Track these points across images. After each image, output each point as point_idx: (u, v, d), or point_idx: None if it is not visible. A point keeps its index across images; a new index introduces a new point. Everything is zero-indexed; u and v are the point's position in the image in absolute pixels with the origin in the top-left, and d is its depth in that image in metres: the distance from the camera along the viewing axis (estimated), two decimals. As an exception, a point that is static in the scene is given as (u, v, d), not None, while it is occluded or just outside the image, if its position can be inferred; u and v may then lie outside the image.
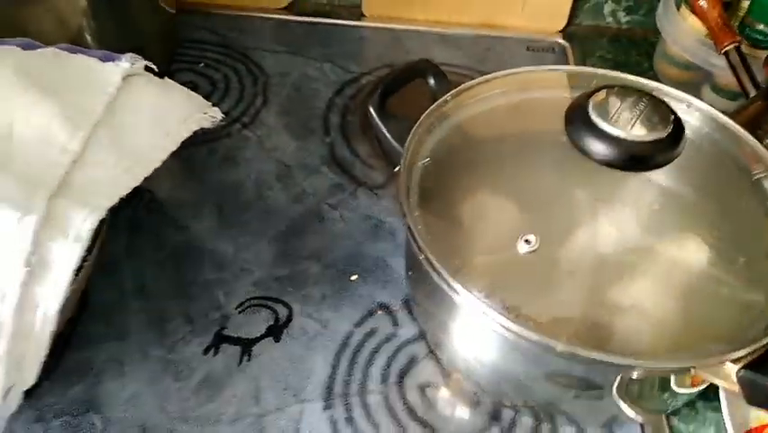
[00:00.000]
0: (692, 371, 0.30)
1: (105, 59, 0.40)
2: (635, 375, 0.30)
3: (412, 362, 0.40)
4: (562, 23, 0.66)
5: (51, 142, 0.33)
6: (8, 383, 0.28)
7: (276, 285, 0.43)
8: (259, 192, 0.49)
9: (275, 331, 0.41)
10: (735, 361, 0.30)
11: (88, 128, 0.35)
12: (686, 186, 0.36)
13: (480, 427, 0.38)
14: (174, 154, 0.38)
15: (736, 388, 0.30)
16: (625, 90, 0.34)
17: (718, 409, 0.38)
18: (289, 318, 0.42)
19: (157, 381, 0.38)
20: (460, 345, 0.37)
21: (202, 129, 0.41)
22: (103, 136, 0.36)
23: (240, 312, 0.42)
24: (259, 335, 0.41)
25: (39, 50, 0.40)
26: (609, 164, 0.32)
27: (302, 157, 0.52)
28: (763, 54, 0.50)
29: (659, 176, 0.35)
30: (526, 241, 0.31)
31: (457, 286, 0.30)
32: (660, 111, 0.32)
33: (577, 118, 0.32)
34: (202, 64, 0.59)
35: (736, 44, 0.48)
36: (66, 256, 0.29)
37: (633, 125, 0.31)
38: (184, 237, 0.46)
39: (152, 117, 0.39)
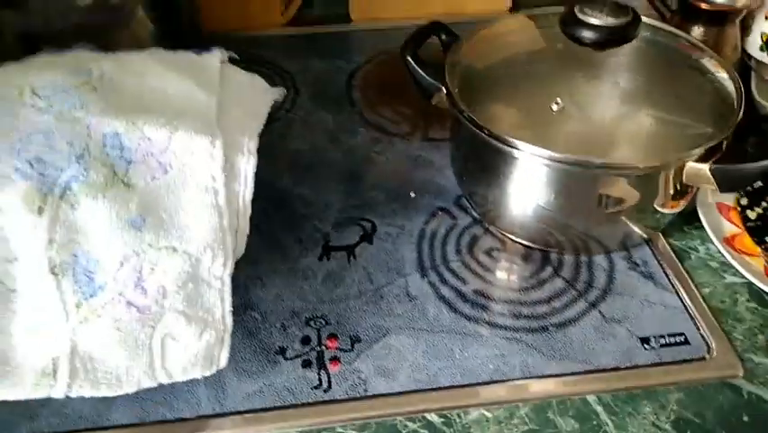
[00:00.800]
0: (681, 171, 0.44)
1: (198, 53, 0.53)
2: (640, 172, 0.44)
3: (474, 238, 0.53)
4: (508, 2, 0.82)
5: (198, 100, 0.45)
6: (232, 248, 0.39)
7: (355, 210, 0.56)
8: (317, 154, 0.62)
9: (367, 238, 0.53)
10: (700, 161, 0.44)
11: (216, 93, 0.47)
12: (647, 65, 0.51)
13: (536, 270, 0.51)
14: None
15: (712, 182, 0.45)
16: (595, 2, 0.49)
17: (701, 228, 0.52)
18: (374, 228, 0.54)
19: (291, 284, 0.49)
20: (509, 212, 0.50)
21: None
22: (225, 99, 0.48)
23: (335, 231, 0.54)
24: (356, 241, 0.53)
25: (146, 50, 0.52)
26: (594, 44, 0.47)
27: (340, 124, 0.65)
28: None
29: (629, 60, 0.50)
30: (556, 103, 0.45)
31: (512, 140, 0.44)
32: (622, 9, 0.47)
33: (569, 19, 0.47)
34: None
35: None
36: (247, 163, 0.41)
37: (606, 18, 0.46)
38: (274, 190, 0.57)
39: (249, 87, 0.52)
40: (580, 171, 0.45)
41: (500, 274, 0.50)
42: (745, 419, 0.41)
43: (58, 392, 0.33)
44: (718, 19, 0.60)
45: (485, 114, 0.46)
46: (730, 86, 0.49)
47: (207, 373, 0.37)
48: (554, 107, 0.45)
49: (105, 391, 0.34)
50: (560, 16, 0.49)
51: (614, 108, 0.48)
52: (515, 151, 0.45)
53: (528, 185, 0.47)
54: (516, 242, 0.52)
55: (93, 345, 0.33)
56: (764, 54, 0.61)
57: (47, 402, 0.40)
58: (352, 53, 0.76)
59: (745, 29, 0.62)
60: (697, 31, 0.61)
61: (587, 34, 0.47)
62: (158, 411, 0.41)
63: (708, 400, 0.42)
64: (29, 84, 0.40)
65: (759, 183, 0.55)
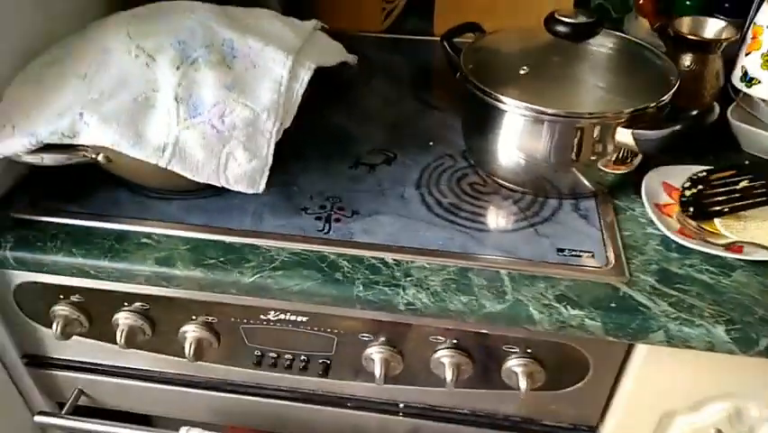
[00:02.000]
0: (614, 132, 0.60)
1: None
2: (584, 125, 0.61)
3: (464, 176, 0.71)
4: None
5: (288, 38, 0.68)
6: (282, 120, 0.61)
7: (387, 145, 0.76)
8: (378, 109, 0.83)
9: (387, 162, 0.73)
10: (626, 125, 0.60)
11: (303, 37, 0.70)
12: (610, 60, 0.68)
13: (502, 199, 0.67)
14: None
15: (633, 143, 0.60)
16: (572, 11, 0.67)
17: (639, 192, 0.66)
18: (395, 157, 0.74)
19: (325, 177, 0.70)
20: (490, 155, 0.68)
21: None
22: (310, 44, 0.71)
23: (368, 154, 0.74)
24: (379, 162, 0.73)
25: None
26: (568, 36, 0.65)
27: (400, 96, 0.86)
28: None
29: (596, 56, 0.67)
30: (523, 69, 0.63)
31: (501, 96, 0.62)
32: (590, 14, 0.65)
33: (550, 19, 0.66)
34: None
35: (662, 22, 0.81)
36: (306, 74, 0.63)
37: (576, 18, 0.64)
38: (336, 127, 0.79)
39: (328, 45, 0.75)
40: (536, 118, 0.62)
41: (473, 198, 0.68)
42: (612, 304, 0.55)
43: (163, 162, 0.56)
44: (704, 49, 0.74)
45: (479, 79, 0.65)
46: (672, 74, 0.64)
47: (251, 191, 0.59)
48: (521, 72, 0.64)
49: (187, 173, 0.56)
50: (544, 18, 0.67)
51: (578, 88, 0.66)
52: (494, 102, 0.63)
53: (504, 134, 0.65)
54: (496, 181, 0.70)
55: (187, 143, 0.56)
56: (743, 84, 0.74)
57: (155, 205, 0.64)
58: (428, 58, 0.98)
59: (732, 62, 0.76)
60: (686, 59, 0.75)
61: (561, 29, 0.65)
62: (219, 220, 0.63)
63: (590, 290, 0.57)
64: (189, 8, 0.66)
65: (703, 173, 0.68)
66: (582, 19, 0.65)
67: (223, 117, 0.57)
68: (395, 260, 0.60)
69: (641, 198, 0.67)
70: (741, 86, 0.75)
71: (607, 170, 0.65)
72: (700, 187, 0.66)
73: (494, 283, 0.57)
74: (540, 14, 1.00)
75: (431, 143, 0.77)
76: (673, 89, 0.62)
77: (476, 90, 0.64)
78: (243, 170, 0.58)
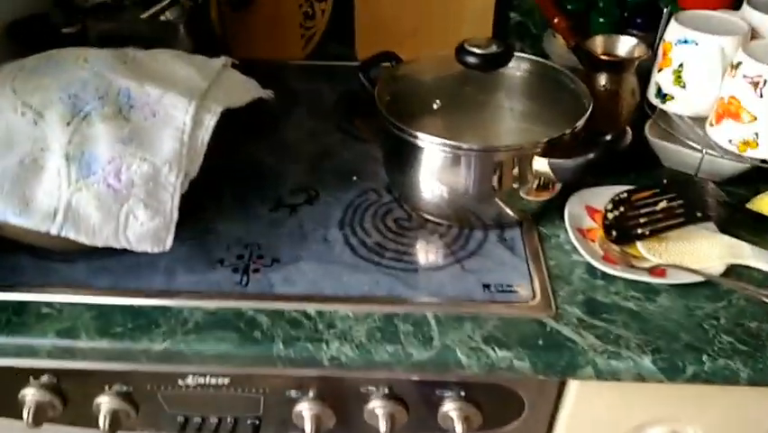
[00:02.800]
0: (531, 161, 0.59)
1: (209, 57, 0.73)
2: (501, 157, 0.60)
3: (389, 211, 0.69)
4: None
5: (193, 81, 0.65)
6: (186, 170, 0.57)
7: (309, 182, 0.73)
8: (298, 146, 0.80)
9: (309, 201, 0.70)
10: (542, 155, 0.59)
11: (210, 79, 0.67)
12: (523, 86, 0.67)
13: (427, 234, 0.66)
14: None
15: (551, 173, 0.59)
16: (482, 39, 0.66)
17: (563, 217, 0.66)
18: (317, 196, 0.71)
19: (243, 222, 0.67)
20: (415, 193, 0.66)
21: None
22: (217, 85, 0.67)
23: (290, 193, 0.71)
24: (300, 202, 0.70)
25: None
26: (478, 67, 0.63)
27: (321, 128, 0.84)
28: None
29: (509, 82, 0.66)
30: (436, 103, 0.62)
31: (417, 132, 0.60)
32: (499, 42, 0.64)
33: (459, 50, 0.64)
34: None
35: (577, 41, 0.81)
36: (210, 120, 0.60)
37: (487, 49, 0.63)
38: (257, 164, 0.76)
39: (242, 84, 0.71)
40: (454, 154, 0.60)
41: (398, 235, 0.66)
42: (540, 342, 0.54)
43: (54, 229, 0.52)
44: (618, 68, 0.74)
45: (392, 113, 0.64)
46: (585, 99, 0.64)
47: (156, 250, 0.55)
48: (434, 106, 0.62)
49: (83, 238, 0.52)
50: (455, 49, 0.66)
51: (494, 115, 0.65)
52: (408, 137, 0.61)
53: (422, 168, 0.63)
54: (420, 216, 0.68)
55: (81, 205, 0.52)
56: (658, 100, 0.75)
57: (57, 269, 0.60)
58: (350, 82, 0.96)
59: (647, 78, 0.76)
60: (602, 78, 0.75)
61: (471, 60, 0.64)
62: (127, 281, 0.59)
63: (518, 328, 0.55)
64: (84, 56, 0.61)
65: (624, 194, 0.68)
66: (492, 49, 0.64)
67: (119, 174, 0.54)
68: (317, 311, 0.57)
69: (564, 223, 0.66)
70: (656, 102, 0.76)
71: (529, 198, 0.64)
72: (622, 209, 0.66)
73: (421, 329, 0.55)
74: (460, 39, 1.00)
75: (354, 178, 0.74)
76: (586, 115, 0.62)
77: (392, 126, 0.62)
78: (146, 228, 0.54)
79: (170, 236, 0.56)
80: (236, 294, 0.59)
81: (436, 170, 0.62)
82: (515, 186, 0.62)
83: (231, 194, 0.71)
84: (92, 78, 0.58)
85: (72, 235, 0.52)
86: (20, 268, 0.60)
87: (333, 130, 0.84)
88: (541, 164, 0.60)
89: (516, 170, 0.61)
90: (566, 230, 0.65)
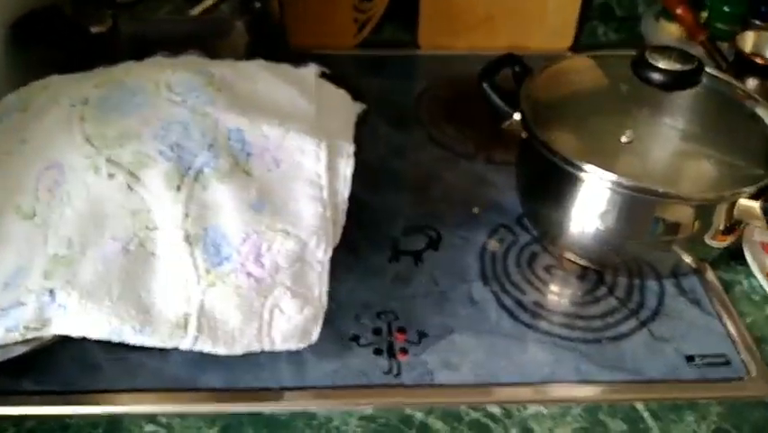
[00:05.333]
0: (733, 206, 0.49)
1: (295, 66, 0.58)
2: (694, 203, 0.49)
3: (533, 255, 0.57)
4: (569, 42, 0.87)
5: (299, 105, 0.50)
6: (331, 241, 0.44)
7: (421, 219, 0.60)
8: (384, 165, 0.67)
9: (433, 245, 0.58)
10: (752, 198, 0.48)
11: (315, 101, 0.52)
12: (706, 109, 0.55)
13: (591, 288, 0.55)
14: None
15: (762, 217, 0.49)
16: (665, 47, 0.54)
17: (745, 263, 0.56)
18: (440, 237, 0.59)
19: (364, 279, 0.54)
20: (570, 229, 0.54)
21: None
22: (321, 108, 0.53)
23: (404, 235, 0.58)
24: (422, 247, 0.57)
25: (252, 60, 0.57)
26: (662, 86, 0.51)
27: (408, 140, 0.70)
28: (724, 44, 0.72)
29: (690, 103, 0.55)
30: (626, 135, 0.50)
31: (580, 163, 0.48)
32: (688, 57, 0.52)
33: (640, 61, 0.52)
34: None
35: (707, 36, 0.70)
36: (347, 165, 0.46)
37: (674, 64, 0.51)
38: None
39: (340, 101, 0.57)
40: (641, 198, 0.49)
41: (557, 289, 0.55)
42: (781, 435, 0.45)
43: (186, 344, 0.38)
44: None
45: (555, 140, 0.51)
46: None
47: (302, 346, 0.42)
48: (624, 139, 0.50)
49: (221, 349, 0.38)
50: (631, 59, 0.53)
51: (674, 145, 0.53)
52: (582, 173, 0.49)
53: (590, 208, 0.51)
54: (575, 262, 0.56)
55: (217, 307, 0.38)
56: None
57: (145, 364, 0.45)
58: (415, 77, 0.82)
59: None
60: (750, 83, 0.65)
61: (656, 77, 0.52)
62: (244, 375, 0.46)
63: (745, 416, 0.46)
64: (164, 80, 0.46)
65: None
66: (680, 65, 0.51)
67: (260, 257, 0.40)
68: (502, 408, 0.46)
69: (740, 264, 0.57)
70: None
71: (713, 243, 0.53)
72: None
73: (636, 427, 0.45)
74: (542, 23, 0.87)
75: (475, 210, 0.62)
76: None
77: (554, 157, 0.50)
78: (294, 323, 0.41)
79: (318, 328, 0.42)
80: (391, 387, 0.46)
81: (607, 213, 0.51)
82: (703, 231, 0.52)
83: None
84: (191, 118, 0.43)
85: (208, 348, 0.38)
86: (95, 366, 0.46)
87: (422, 140, 0.71)
88: (748, 208, 0.49)
89: (714, 216, 0.50)
90: (746, 274, 0.56)
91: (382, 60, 0.85)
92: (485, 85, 0.59)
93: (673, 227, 0.51)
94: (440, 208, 0.62)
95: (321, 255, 0.42)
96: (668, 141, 0.53)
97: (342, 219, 0.45)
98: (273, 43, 0.72)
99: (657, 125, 0.54)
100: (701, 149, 0.53)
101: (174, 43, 0.63)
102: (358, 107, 0.60)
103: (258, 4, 0.67)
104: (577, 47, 0.87)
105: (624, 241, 0.53)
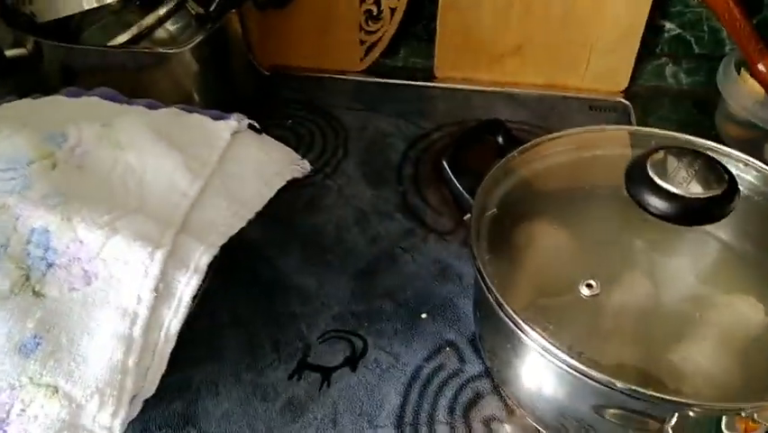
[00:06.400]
0: (742, 414, 0.32)
1: (216, 118, 0.47)
2: (691, 414, 0.33)
3: (477, 397, 0.43)
4: (624, 84, 0.69)
5: (175, 187, 0.40)
6: (135, 391, 0.33)
7: (353, 320, 0.48)
8: (338, 235, 0.54)
9: (351, 361, 0.45)
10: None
11: (205, 177, 0.41)
12: (743, 240, 0.38)
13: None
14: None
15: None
16: (681, 150, 0.37)
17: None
18: (364, 351, 0.46)
19: (247, 401, 0.43)
20: (524, 383, 0.40)
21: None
22: (216, 184, 0.42)
23: (321, 342, 0.46)
24: (337, 364, 0.45)
25: (162, 109, 0.47)
26: (666, 218, 0.34)
27: (377, 204, 0.57)
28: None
29: (716, 230, 0.38)
30: (588, 285, 0.34)
31: (524, 325, 0.34)
32: (715, 169, 0.35)
33: (636, 175, 0.35)
34: (290, 121, 0.66)
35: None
36: (187, 284, 0.35)
37: (689, 183, 0.34)
38: (273, 273, 0.51)
39: (255, 168, 0.45)
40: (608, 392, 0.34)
41: (492, 457, 0.41)
42: None
43: None
44: None
45: (510, 285, 0.36)
46: None
47: None
48: (586, 291, 0.34)
49: None
50: (626, 168, 0.37)
51: (678, 300, 0.36)
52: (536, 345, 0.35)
53: (546, 377, 0.37)
54: (526, 419, 0.42)
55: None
56: None
57: None
58: (421, 116, 0.68)
59: None
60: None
61: (658, 205, 0.34)
62: None
63: None
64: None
65: None
66: (697, 188, 0.34)
67: (3, 425, 0.30)
68: None
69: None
70: None
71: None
72: None
73: None
74: (586, 57, 0.69)
75: (424, 315, 0.48)
76: None
77: (505, 317, 0.36)
78: None
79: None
80: None
81: (583, 399, 0.36)
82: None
83: (233, 333, 0.47)
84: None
85: None
86: None
87: (394, 205, 0.57)
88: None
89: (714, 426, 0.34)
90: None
91: (387, 91, 0.71)
92: (445, 164, 0.45)
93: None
94: (380, 307, 0.49)
95: (107, 420, 0.31)
96: (672, 291, 0.37)
97: (161, 364, 0.33)
98: (232, 69, 0.62)
99: (662, 263, 0.37)
100: (725, 312, 0.36)
101: (103, 71, 0.55)
102: (296, 171, 0.49)
103: (212, 25, 0.56)
104: (631, 91, 0.69)
105: (593, 422, 0.37)
